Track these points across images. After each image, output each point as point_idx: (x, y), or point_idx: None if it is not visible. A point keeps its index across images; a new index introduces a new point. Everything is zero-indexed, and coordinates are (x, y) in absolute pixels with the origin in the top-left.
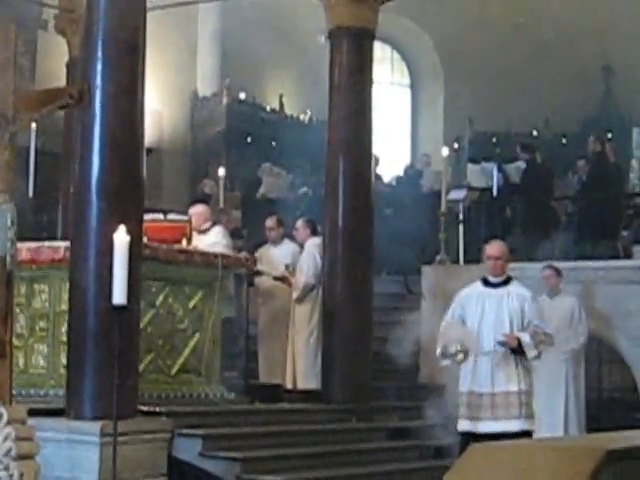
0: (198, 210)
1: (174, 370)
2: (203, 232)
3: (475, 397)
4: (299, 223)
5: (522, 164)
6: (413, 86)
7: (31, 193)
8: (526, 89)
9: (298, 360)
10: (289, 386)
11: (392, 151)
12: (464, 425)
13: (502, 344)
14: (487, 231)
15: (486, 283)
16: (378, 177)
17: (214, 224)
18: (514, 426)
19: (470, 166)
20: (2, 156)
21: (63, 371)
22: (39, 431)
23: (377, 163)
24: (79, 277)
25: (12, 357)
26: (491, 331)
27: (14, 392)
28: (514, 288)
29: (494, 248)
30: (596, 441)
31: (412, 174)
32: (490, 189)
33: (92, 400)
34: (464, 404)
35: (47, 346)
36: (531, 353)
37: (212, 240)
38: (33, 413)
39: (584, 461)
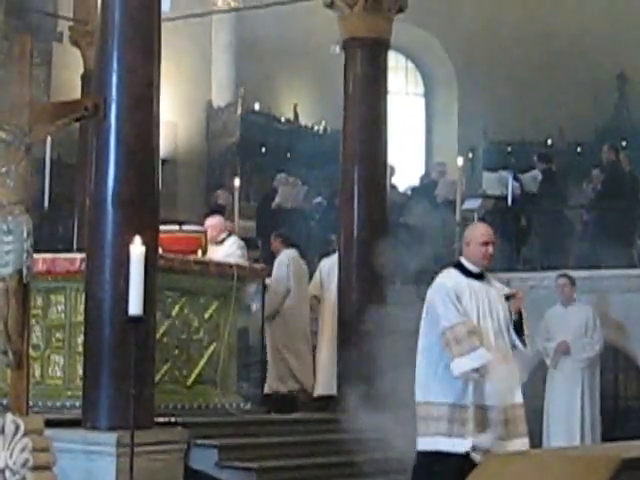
0: (213, 222)
1: (190, 381)
2: (219, 243)
3: (480, 411)
4: (272, 236)
5: (538, 173)
6: (427, 95)
7: (46, 204)
8: (540, 98)
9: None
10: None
11: (407, 161)
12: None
13: (508, 297)
14: (502, 240)
15: (467, 273)
16: (394, 187)
17: (229, 235)
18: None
19: (486, 174)
20: (18, 168)
21: (79, 382)
22: (55, 442)
23: (392, 173)
24: (95, 288)
25: (29, 368)
26: (490, 331)
27: (30, 403)
28: (493, 281)
29: (488, 231)
30: (611, 450)
31: (427, 184)
32: (505, 198)
33: (108, 411)
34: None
35: (63, 357)
36: (525, 337)
37: (227, 251)
38: (49, 424)
39: (599, 470)
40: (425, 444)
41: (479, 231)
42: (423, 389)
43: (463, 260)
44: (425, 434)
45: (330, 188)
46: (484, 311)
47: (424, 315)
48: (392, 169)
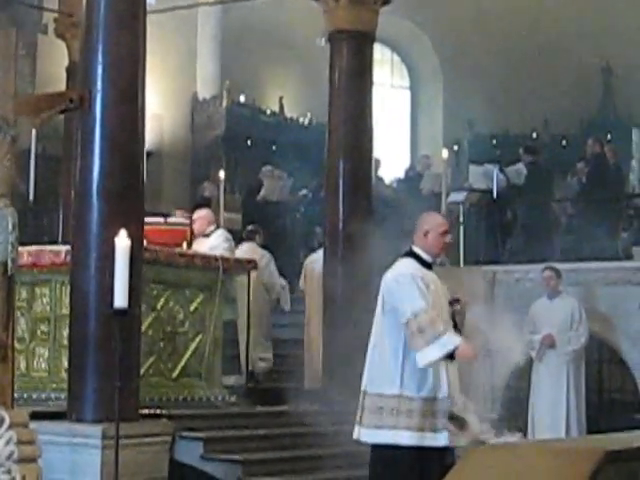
0: (201, 214)
1: (175, 373)
2: (207, 236)
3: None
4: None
5: (522, 167)
6: (413, 88)
7: (32, 197)
8: (526, 91)
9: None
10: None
11: (392, 153)
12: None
13: (452, 302)
14: (487, 233)
15: (423, 263)
16: (380, 179)
17: (217, 228)
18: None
19: (472, 167)
20: (3, 160)
21: (64, 374)
22: (41, 434)
23: (378, 166)
24: (80, 281)
25: (14, 361)
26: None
27: (16, 395)
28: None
29: (445, 220)
30: (595, 442)
31: (412, 176)
32: (491, 191)
33: (93, 403)
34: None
35: (48, 349)
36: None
37: (213, 244)
38: (35, 416)
39: (583, 462)
40: (387, 437)
41: (438, 220)
42: (382, 380)
43: (417, 249)
44: (386, 427)
45: (316, 180)
46: (440, 303)
47: (382, 306)
48: (377, 162)
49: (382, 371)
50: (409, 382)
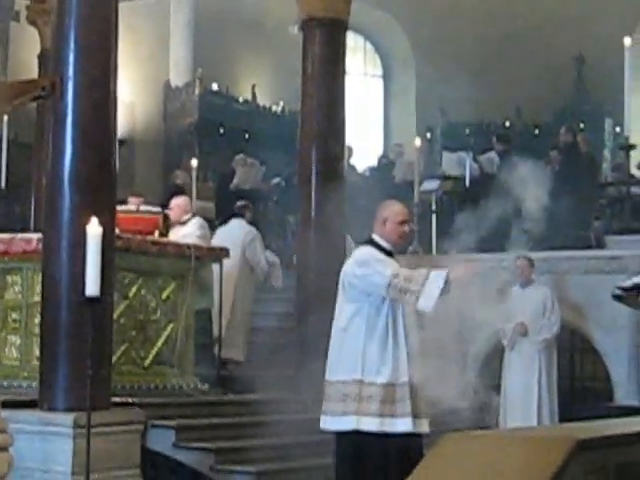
0: (178, 202)
1: (147, 361)
2: (183, 224)
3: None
4: None
5: (494, 155)
6: (385, 76)
7: (3, 184)
8: (498, 79)
9: None
10: None
11: (365, 142)
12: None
13: None
14: (460, 221)
15: (383, 251)
16: (352, 167)
17: (194, 216)
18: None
19: (446, 154)
20: None
21: (36, 363)
22: (12, 423)
23: (350, 154)
24: (52, 269)
25: None
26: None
27: None
28: None
29: (404, 209)
30: (567, 431)
31: (385, 164)
32: (463, 179)
33: (65, 392)
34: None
35: (20, 338)
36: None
37: (188, 231)
38: (6, 405)
39: (555, 451)
40: (351, 423)
41: (396, 209)
42: (344, 367)
43: (376, 238)
44: (350, 413)
45: (288, 169)
46: None
47: (343, 293)
48: (350, 150)
49: (343, 358)
50: (369, 368)
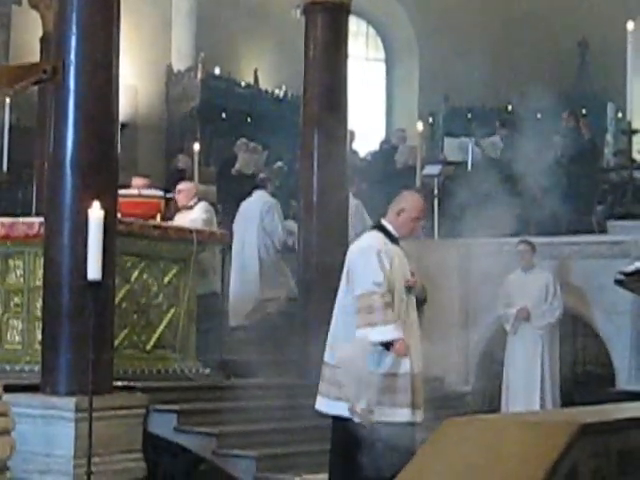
0: (184, 187)
1: (149, 345)
2: (190, 208)
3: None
4: None
5: (498, 139)
6: (388, 61)
7: (5, 169)
8: (502, 64)
9: None
10: None
11: (367, 126)
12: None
13: (409, 288)
14: (462, 206)
15: (390, 237)
16: (354, 152)
17: (200, 200)
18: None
19: (448, 140)
20: None
21: (38, 347)
22: (14, 407)
23: (353, 138)
24: (54, 253)
25: None
26: (408, 299)
27: None
28: None
29: (424, 206)
30: (569, 416)
31: (387, 149)
32: (465, 164)
33: (67, 376)
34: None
35: (22, 322)
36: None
37: (194, 216)
38: (8, 389)
39: (557, 435)
40: (345, 410)
41: (415, 204)
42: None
43: (387, 225)
44: (345, 399)
45: (291, 153)
46: (401, 277)
47: (347, 278)
48: (352, 134)
49: (344, 342)
50: (369, 357)
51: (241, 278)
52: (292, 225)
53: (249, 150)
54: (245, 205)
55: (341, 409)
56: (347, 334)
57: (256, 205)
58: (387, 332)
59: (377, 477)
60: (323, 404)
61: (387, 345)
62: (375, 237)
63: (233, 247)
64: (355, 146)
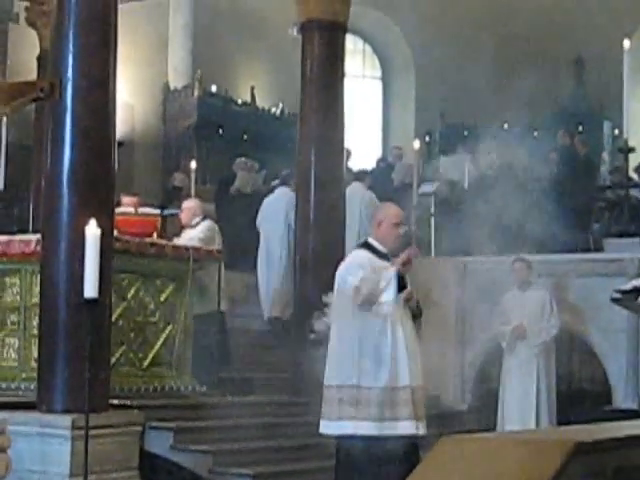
0: (188, 205)
1: (145, 363)
2: (193, 227)
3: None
4: None
5: (494, 157)
6: (384, 79)
7: (2, 186)
8: (497, 82)
9: None
10: None
11: (364, 144)
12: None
13: (406, 300)
14: (458, 224)
15: (378, 254)
16: (349, 170)
17: (204, 218)
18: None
19: (443, 158)
20: None
21: (34, 364)
22: (10, 425)
23: (349, 156)
24: (50, 270)
25: None
26: (403, 313)
27: None
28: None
29: (399, 212)
30: (565, 434)
31: (384, 167)
32: (462, 182)
33: (63, 393)
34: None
35: (18, 339)
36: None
37: (192, 234)
38: (4, 407)
39: (553, 454)
40: (348, 428)
41: (390, 211)
42: (341, 371)
43: (372, 241)
44: (346, 418)
45: (287, 171)
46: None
47: (338, 298)
48: (348, 152)
49: (340, 362)
50: (366, 372)
51: (270, 273)
52: None
53: (247, 168)
54: (268, 201)
55: (345, 428)
56: (338, 356)
57: (280, 201)
58: (386, 284)
59: None
60: (327, 426)
61: (399, 285)
62: (361, 255)
63: (260, 244)
64: (351, 164)
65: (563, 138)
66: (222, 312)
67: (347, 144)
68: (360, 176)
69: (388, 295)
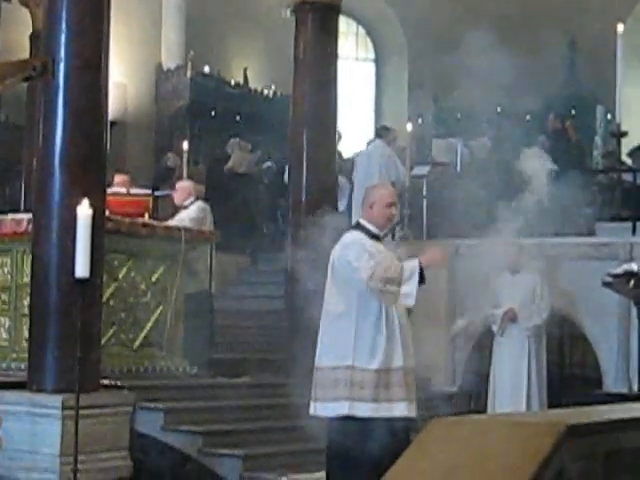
0: (181, 185)
1: (136, 344)
2: (185, 208)
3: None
4: None
5: (487, 140)
6: (378, 61)
7: None
8: (490, 65)
9: None
10: None
11: (356, 126)
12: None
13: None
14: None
15: (371, 235)
16: (338, 153)
17: (197, 199)
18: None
19: (435, 141)
20: None
21: (25, 344)
22: (0, 404)
23: (339, 139)
24: (41, 250)
25: None
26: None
27: None
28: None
29: (392, 191)
30: (556, 417)
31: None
32: (454, 165)
33: (54, 373)
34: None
35: (9, 319)
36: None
37: (183, 215)
38: None
39: (544, 437)
40: (344, 409)
41: (382, 192)
42: (335, 352)
43: (364, 222)
44: (342, 399)
45: (279, 152)
46: None
47: (332, 277)
48: (339, 135)
49: (334, 343)
50: (361, 353)
51: None
52: (341, 180)
53: (242, 149)
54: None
55: (340, 409)
56: (333, 337)
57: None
58: (410, 274)
59: (377, 475)
60: (319, 408)
61: (422, 276)
62: (355, 235)
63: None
64: (341, 146)
65: (554, 122)
66: (211, 293)
67: (339, 126)
68: (382, 132)
69: (410, 287)
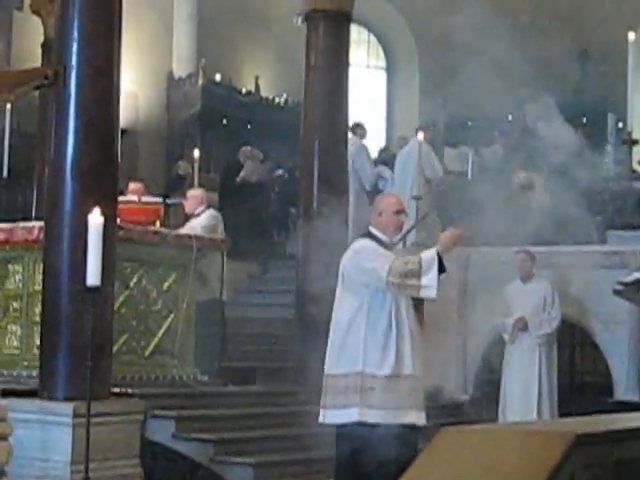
0: (193, 194)
1: (147, 352)
2: (197, 216)
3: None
4: None
5: (499, 148)
6: (389, 69)
7: (5, 173)
8: (501, 73)
9: None
10: None
11: (368, 134)
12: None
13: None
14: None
15: (380, 243)
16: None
17: (208, 207)
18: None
19: (447, 149)
20: None
21: (36, 352)
22: (12, 412)
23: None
24: (53, 258)
25: None
26: (408, 303)
27: None
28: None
29: (399, 199)
30: (566, 426)
31: (387, 157)
32: (465, 173)
33: (65, 381)
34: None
35: (20, 327)
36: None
37: (194, 223)
38: (6, 394)
39: (554, 445)
40: (353, 416)
41: (391, 200)
42: (345, 359)
43: (374, 230)
44: (351, 405)
45: (291, 160)
46: None
47: (343, 284)
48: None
49: (345, 351)
50: (371, 359)
51: None
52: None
53: (253, 157)
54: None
55: (350, 416)
56: (343, 344)
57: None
58: (429, 264)
59: None
60: (328, 416)
61: (440, 265)
62: (368, 243)
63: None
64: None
65: None
66: (222, 301)
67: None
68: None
69: (430, 278)
